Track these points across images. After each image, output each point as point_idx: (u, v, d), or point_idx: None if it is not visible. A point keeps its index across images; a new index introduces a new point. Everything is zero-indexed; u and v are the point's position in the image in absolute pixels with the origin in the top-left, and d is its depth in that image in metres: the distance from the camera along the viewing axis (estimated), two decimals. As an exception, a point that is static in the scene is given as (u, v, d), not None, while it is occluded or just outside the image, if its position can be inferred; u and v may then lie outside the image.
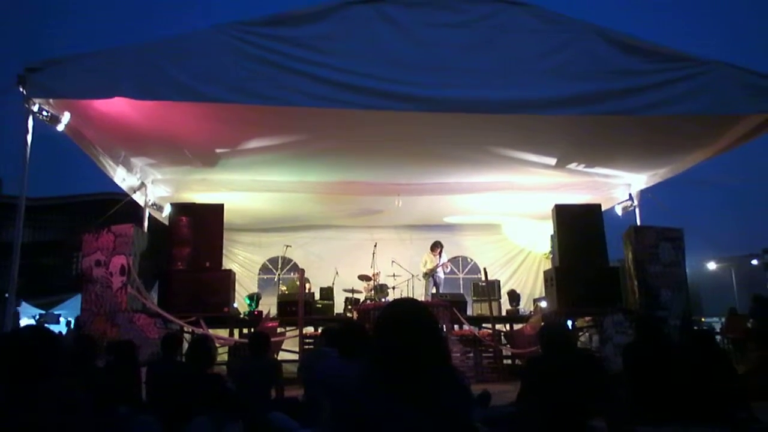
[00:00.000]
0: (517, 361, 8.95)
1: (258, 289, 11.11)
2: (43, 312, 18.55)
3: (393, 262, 10.73)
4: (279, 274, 11.46)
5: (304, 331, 8.28)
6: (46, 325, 12.70)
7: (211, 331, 7.70)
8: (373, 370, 1.87)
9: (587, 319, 8.37)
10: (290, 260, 11.58)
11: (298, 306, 8.40)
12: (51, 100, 5.97)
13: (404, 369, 1.80)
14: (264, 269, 12.34)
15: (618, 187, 9.61)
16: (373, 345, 1.98)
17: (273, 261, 12.14)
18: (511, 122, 6.84)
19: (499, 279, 11.09)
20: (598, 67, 6.21)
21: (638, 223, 9.29)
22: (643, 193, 9.46)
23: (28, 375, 2.26)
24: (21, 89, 5.60)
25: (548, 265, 11.29)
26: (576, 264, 8.56)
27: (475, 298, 10.49)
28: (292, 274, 11.24)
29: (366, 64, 5.98)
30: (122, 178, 8.04)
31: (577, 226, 8.81)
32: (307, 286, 10.19)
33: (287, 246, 11.15)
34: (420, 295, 10.74)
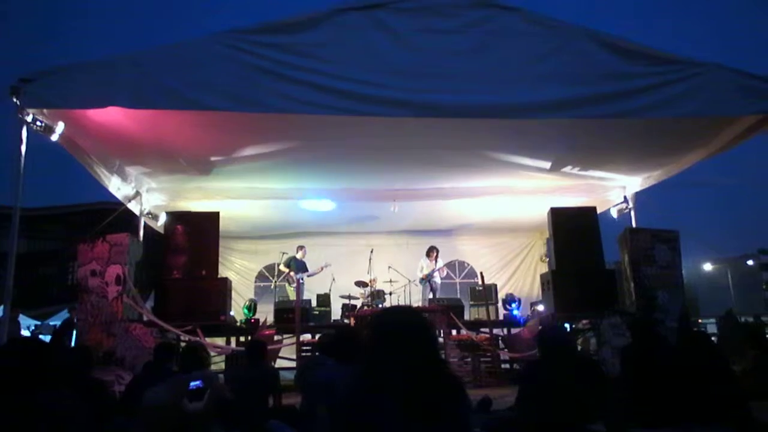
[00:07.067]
0: (515, 366, 8.94)
1: (254, 297, 11.08)
2: (38, 323, 18.44)
3: (389, 267, 10.72)
4: (275, 282, 11.44)
5: (301, 339, 8.26)
6: (41, 336, 12.64)
7: (207, 340, 7.67)
8: (367, 377, 1.87)
9: (584, 322, 8.37)
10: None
11: (295, 313, 8.39)
12: (45, 111, 5.95)
13: (398, 376, 1.80)
14: (260, 277, 12.32)
15: (613, 190, 9.63)
16: (367, 353, 1.97)
17: (269, 268, 12.13)
18: (506, 126, 6.86)
19: (496, 283, 11.09)
20: (591, 70, 6.23)
21: (633, 225, 9.30)
22: (638, 195, 9.49)
23: (23, 386, 2.25)
24: (14, 100, 5.59)
25: (545, 269, 11.31)
26: (572, 267, 8.56)
27: (472, 303, 10.50)
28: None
29: (360, 71, 5.99)
30: (117, 187, 8.03)
31: (572, 229, 8.82)
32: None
33: (284, 253, 11.14)
34: (417, 300, 10.74)
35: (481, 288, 10.00)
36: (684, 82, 6.24)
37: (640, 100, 6.21)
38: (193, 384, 2.27)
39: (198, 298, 8.10)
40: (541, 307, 9.55)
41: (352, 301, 10.30)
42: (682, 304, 8.11)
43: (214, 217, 8.73)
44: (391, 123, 6.53)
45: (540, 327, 7.79)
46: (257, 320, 9.11)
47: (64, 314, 17.77)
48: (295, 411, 4.54)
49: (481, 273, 9.81)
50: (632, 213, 9.50)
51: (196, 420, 2.23)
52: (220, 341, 8.47)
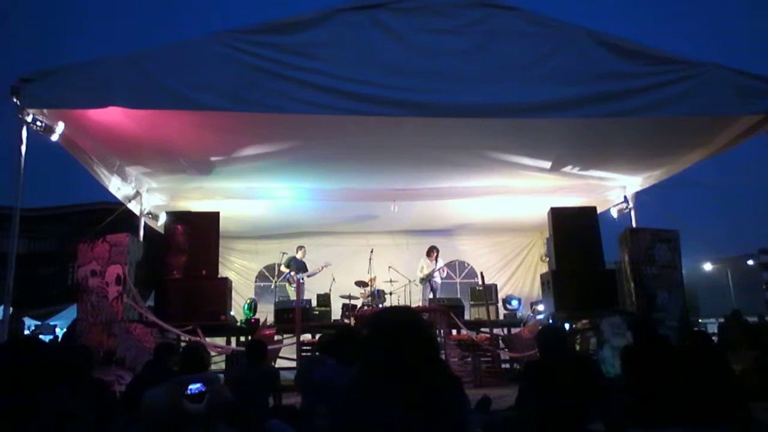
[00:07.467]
0: (515, 365, 8.94)
1: (255, 297, 11.09)
2: (39, 323, 18.46)
3: (390, 267, 10.72)
4: (276, 282, 11.44)
5: (301, 339, 8.26)
6: (41, 336, 12.65)
7: (208, 340, 7.67)
8: (365, 377, 1.87)
9: (584, 321, 8.37)
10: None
11: (296, 313, 8.38)
12: (45, 111, 5.95)
13: (396, 376, 1.80)
14: (260, 276, 12.32)
15: (613, 190, 9.63)
16: (365, 353, 1.98)
17: (270, 268, 12.13)
18: (506, 126, 6.86)
19: (496, 283, 11.09)
20: (590, 70, 6.24)
21: (634, 224, 9.31)
22: (638, 195, 9.49)
23: (24, 386, 2.25)
24: (15, 100, 5.59)
25: (545, 269, 11.31)
26: (572, 267, 8.56)
27: (472, 303, 10.50)
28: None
29: (360, 71, 6.00)
30: (117, 187, 8.03)
31: (572, 228, 8.81)
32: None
33: (283, 253, 11.14)
34: (417, 300, 10.74)
35: (481, 288, 9.99)
36: (683, 82, 6.25)
37: (639, 100, 6.22)
38: (193, 387, 2.26)
39: (198, 298, 8.09)
40: (541, 307, 9.55)
41: (353, 301, 10.29)
42: (683, 304, 8.11)
43: (214, 217, 8.72)
44: (391, 123, 6.53)
45: (540, 327, 7.79)
46: (257, 320, 9.11)
47: (65, 314, 17.81)
48: (295, 411, 4.54)
49: (482, 273, 9.81)
50: (632, 213, 9.50)
51: (197, 422, 2.23)
52: (220, 341, 8.47)
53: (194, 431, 2.24)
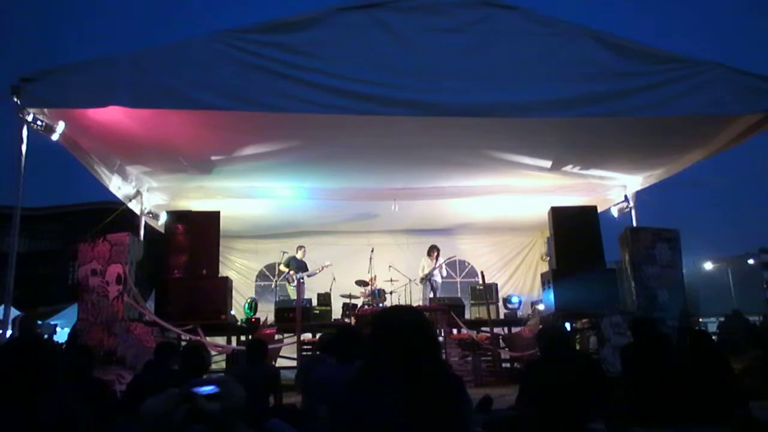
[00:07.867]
0: (516, 365, 8.94)
1: (255, 296, 11.09)
2: (39, 323, 18.41)
3: (390, 266, 10.72)
4: (276, 281, 11.44)
5: (301, 338, 8.26)
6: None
7: (208, 339, 7.67)
8: (366, 375, 1.87)
9: (585, 321, 8.37)
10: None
11: (296, 313, 8.38)
12: (45, 110, 5.96)
13: (397, 375, 1.80)
14: (261, 276, 12.32)
15: (613, 189, 9.62)
16: (367, 352, 1.98)
17: (270, 267, 12.13)
18: (506, 125, 6.86)
19: (496, 282, 11.09)
20: (592, 69, 6.23)
21: (634, 224, 9.30)
22: (639, 194, 9.48)
23: (25, 386, 2.26)
24: (15, 99, 5.59)
25: (545, 268, 11.30)
26: (573, 266, 8.55)
27: (473, 302, 10.49)
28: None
29: (360, 70, 6.00)
30: (117, 186, 8.03)
31: (573, 228, 8.81)
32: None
33: (284, 252, 11.14)
34: (417, 299, 10.74)
35: (481, 287, 9.99)
36: (684, 81, 6.25)
37: (640, 99, 6.21)
38: (206, 389, 2.28)
39: (199, 298, 8.09)
40: (541, 306, 9.55)
41: (353, 301, 10.29)
42: (683, 303, 8.11)
43: (214, 216, 8.73)
44: (391, 122, 6.53)
45: (541, 326, 7.79)
46: (258, 319, 9.11)
47: (66, 313, 17.78)
48: (296, 410, 4.55)
49: (482, 272, 9.80)
50: (633, 212, 9.50)
51: (214, 422, 2.24)
52: (220, 340, 8.47)
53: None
